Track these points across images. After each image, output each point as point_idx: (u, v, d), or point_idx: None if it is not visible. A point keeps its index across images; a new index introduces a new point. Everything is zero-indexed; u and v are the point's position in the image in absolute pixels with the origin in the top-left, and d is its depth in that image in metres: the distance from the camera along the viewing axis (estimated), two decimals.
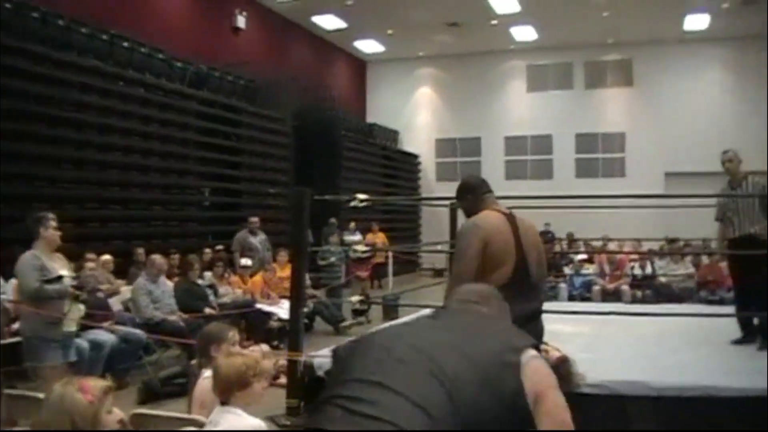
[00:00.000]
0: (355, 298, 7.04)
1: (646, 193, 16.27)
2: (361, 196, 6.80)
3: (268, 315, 10.41)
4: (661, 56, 23.34)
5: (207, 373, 3.85)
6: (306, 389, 6.53)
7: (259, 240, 12.68)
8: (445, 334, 2.11)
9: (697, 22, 21.32)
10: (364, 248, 7.16)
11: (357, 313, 11.75)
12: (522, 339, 2.12)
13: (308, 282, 11.30)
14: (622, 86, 24.27)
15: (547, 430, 1.90)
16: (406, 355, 1.97)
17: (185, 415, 3.92)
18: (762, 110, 21.77)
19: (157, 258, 9.42)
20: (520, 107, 25.12)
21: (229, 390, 3.44)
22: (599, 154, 24.04)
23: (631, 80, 24.10)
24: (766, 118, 21.11)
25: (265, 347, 9.01)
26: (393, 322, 2.48)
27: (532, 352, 2.05)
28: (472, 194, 4.44)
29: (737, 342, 6.73)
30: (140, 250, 10.85)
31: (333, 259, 13.00)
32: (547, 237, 18.02)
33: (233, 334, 4.37)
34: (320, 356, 6.48)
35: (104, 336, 7.78)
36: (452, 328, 2.18)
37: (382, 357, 2.00)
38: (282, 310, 9.96)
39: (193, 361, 4.44)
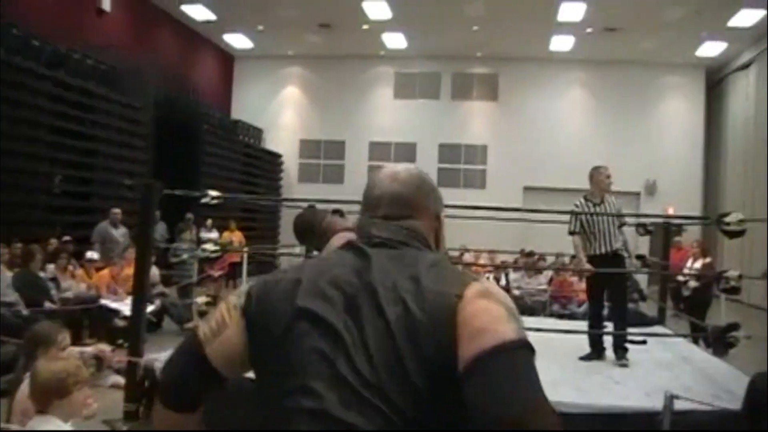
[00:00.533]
0: (202, 299, 6.79)
1: (505, 206, 16.53)
2: (213, 193, 6.56)
3: (113, 312, 9.94)
4: (526, 73, 24.04)
5: None
6: (145, 393, 6.26)
7: (120, 233, 12.20)
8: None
9: (562, 43, 22.05)
10: (214, 247, 6.86)
11: (203, 315, 11.35)
12: None
13: (157, 279, 10.95)
14: (487, 100, 24.78)
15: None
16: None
17: None
18: (616, 134, 22.82)
19: None
20: (386, 113, 25.25)
21: (47, 398, 3.17)
22: (461, 165, 24.41)
23: (496, 95, 24.65)
24: (616, 142, 22.07)
25: (103, 346, 8.58)
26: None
27: None
28: None
29: (583, 358, 6.84)
30: None
31: (185, 256, 12.58)
32: None
33: (63, 337, 4.07)
34: (161, 359, 6.20)
35: None
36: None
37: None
38: (127, 307, 9.53)
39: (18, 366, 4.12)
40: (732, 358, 8.13)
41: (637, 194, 23.63)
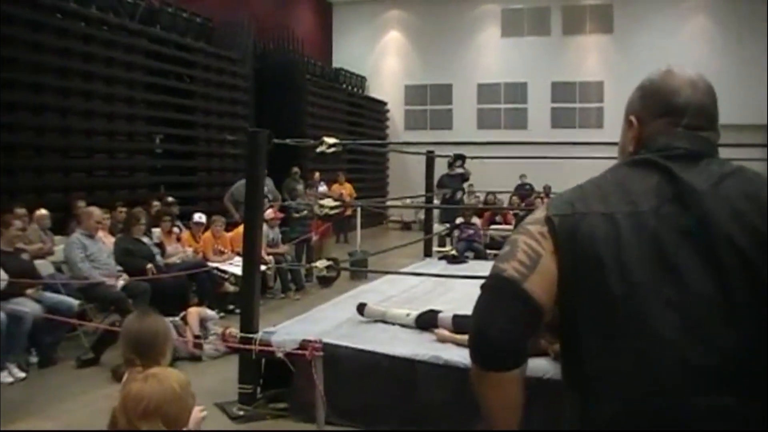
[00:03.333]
0: (322, 263, 6.02)
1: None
2: (330, 141, 5.78)
3: (222, 276, 9.33)
4: (642, 2, 22.45)
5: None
6: (262, 373, 5.62)
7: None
8: None
9: None
10: (333, 203, 6.11)
11: (323, 281, 10.64)
12: None
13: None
14: (601, 33, 23.29)
15: None
16: None
17: None
18: (745, 65, 21.11)
19: (93, 209, 8.21)
20: (493, 53, 24.10)
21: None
22: (576, 103, 23.12)
23: (611, 27, 23.13)
24: (746, 73, 20.41)
25: (210, 312, 7.98)
26: None
27: None
28: None
29: None
30: (81, 203, 9.60)
31: (306, 212, 11.87)
32: (525, 190, 17.16)
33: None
34: (279, 333, 5.50)
35: (26, 306, 6.65)
36: None
37: None
38: (236, 268, 8.90)
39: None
40: None
41: (765, 127, 21.97)
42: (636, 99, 1.74)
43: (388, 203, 19.47)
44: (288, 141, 5.87)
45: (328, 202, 6.08)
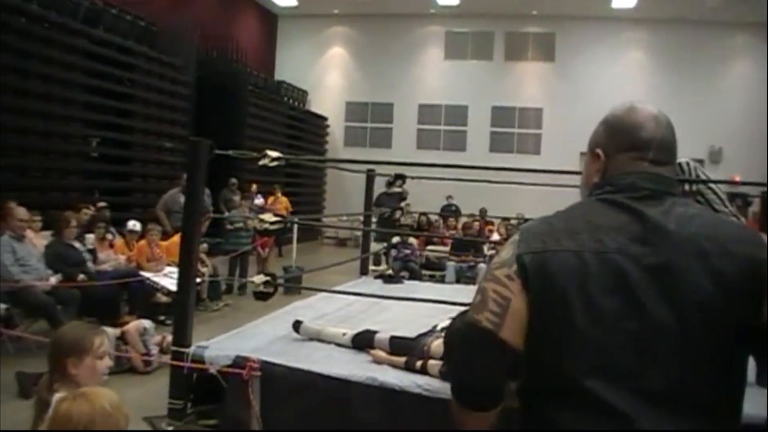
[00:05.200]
0: (259, 279, 5.92)
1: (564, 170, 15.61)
2: (273, 154, 5.69)
3: (154, 287, 9.17)
4: (585, 32, 23.02)
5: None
6: (193, 388, 5.48)
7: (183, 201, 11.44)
8: None
9: (625, 0, 20.92)
10: (273, 218, 6.02)
11: (260, 296, 10.48)
12: None
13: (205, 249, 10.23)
14: (543, 61, 23.70)
15: None
16: None
17: None
18: (679, 98, 21.68)
19: (20, 210, 8.02)
20: (436, 75, 24.32)
21: None
22: (515, 128, 23.41)
23: (552, 55, 23.58)
24: (679, 106, 20.94)
25: (147, 323, 7.81)
26: None
27: None
28: None
29: None
30: (12, 204, 9.34)
31: (241, 224, 11.73)
32: (450, 211, 17.36)
33: (101, 342, 3.15)
34: (212, 349, 5.39)
35: None
36: None
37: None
38: (169, 280, 8.75)
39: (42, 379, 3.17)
40: None
41: (701, 161, 22.51)
42: (601, 132, 1.81)
43: (327, 220, 19.41)
44: (231, 152, 5.77)
45: (268, 217, 5.99)
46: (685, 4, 20.78)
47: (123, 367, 6.85)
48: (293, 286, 9.52)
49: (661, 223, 1.61)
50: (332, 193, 22.94)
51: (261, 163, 5.65)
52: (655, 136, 1.73)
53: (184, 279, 5.56)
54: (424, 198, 15.59)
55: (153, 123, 14.73)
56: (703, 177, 5.32)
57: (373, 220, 13.81)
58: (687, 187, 5.25)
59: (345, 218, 16.84)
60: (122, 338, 7.21)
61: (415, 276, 11.21)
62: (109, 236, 9.97)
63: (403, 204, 14.45)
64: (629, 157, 1.73)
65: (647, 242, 1.59)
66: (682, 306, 1.54)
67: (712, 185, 5.36)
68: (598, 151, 1.79)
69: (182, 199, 10.87)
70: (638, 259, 1.58)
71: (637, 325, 1.55)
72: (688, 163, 5.31)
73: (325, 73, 25.15)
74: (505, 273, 1.66)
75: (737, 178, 18.29)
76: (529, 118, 23.26)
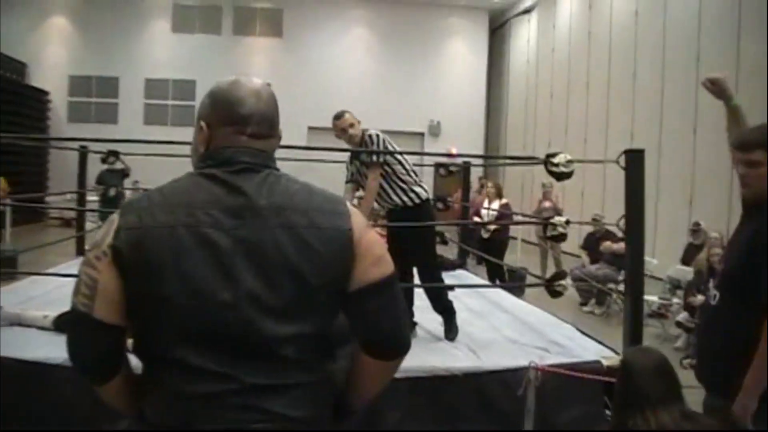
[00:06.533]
0: None
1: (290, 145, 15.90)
2: None
3: None
4: (311, 10, 23.64)
5: None
6: None
7: None
8: None
9: None
10: None
11: None
12: None
13: None
14: (271, 36, 24.07)
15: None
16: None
17: None
18: (400, 75, 22.89)
19: None
20: (163, 48, 23.96)
21: None
22: None
23: (280, 31, 24.03)
24: (400, 82, 22.12)
25: None
26: None
27: None
28: None
29: None
30: None
31: None
32: None
33: None
34: None
35: None
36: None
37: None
38: None
39: None
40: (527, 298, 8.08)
41: (422, 135, 23.80)
42: (207, 105, 1.87)
43: (41, 200, 18.52)
44: None
45: None
46: None
47: None
48: (5, 271, 9.11)
49: (253, 197, 1.72)
50: (57, 171, 21.83)
51: None
52: (255, 111, 1.81)
53: None
54: (160, 174, 15.28)
55: None
56: (390, 148, 5.73)
57: (95, 198, 13.50)
58: (375, 157, 5.64)
59: (69, 197, 16.21)
60: None
61: None
62: None
63: (126, 181, 14.19)
64: (230, 131, 1.81)
65: (239, 215, 1.70)
66: (271, 275, 1.67)
67: (398, 156, 5.79)
68: (202, 123, 1.85)
69: None
70: (229, 231, 1.68)
71: (230, 294, 1.65)
72: (378, 135, 5.69)
73: (46, 45, 23.87)
74: (95, 254, 1.71)
75: (453, 150, 19.46)
76: None
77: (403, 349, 1.88)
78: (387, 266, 1.82)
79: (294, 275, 1.69)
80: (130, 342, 1.81)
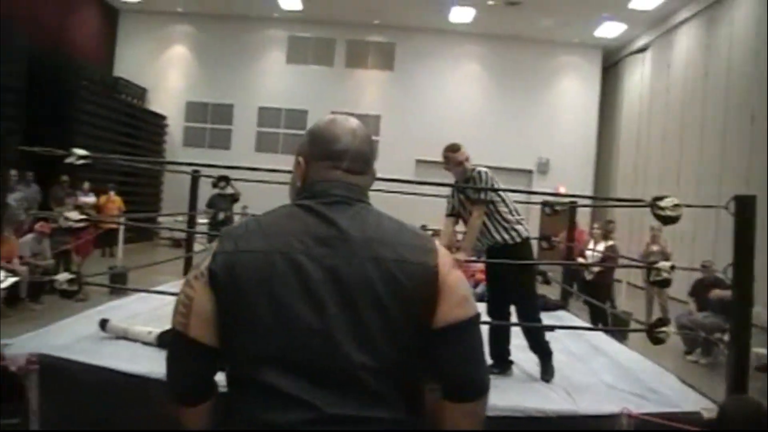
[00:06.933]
0: (63, 277, 5.90)
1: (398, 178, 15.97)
2: (80, 152, 5.65)
3: None
4: (424, 44, 23.75)
5: None
6: None
7: (15, 198, 11.04)
8: None
9: (462, 15, 21.78)
10: (78, 216, 5.98)
11: (64, 294, 10.32)
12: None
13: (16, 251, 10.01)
14: (382, 69, 24.32)
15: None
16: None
17: None
18: (511, 110, 22.82)
19: None
20: (277, 78, 24.50)
21: None
22: None
23: (392, 64, 24.24)
24: (511, 118, 22.06)
25: None
26: None
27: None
28: None
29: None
30: None
31: (70, 224, 11.51)
32: None
33: None
34: (14, 346, 5.35)
35: None
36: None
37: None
38: None
39: None
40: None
41: (530, 172, 23.59)
42: (305, 142, 1.95)
43: (153, 220, 19.09)
44: (36, 149, 5.70)
45: (73, 215, 5.94)
46: (519, 22, 21.75)
47: None
48: (100, 285, 9.39)
49: (344, 228, 1.77)
50: (170, 193, 22.52)
51: (68, 160, 5.60)
52: (350, 148, 1.89)
53: None
54: (269, 200, 15.59)
55: None
56: (496, 186, 5.74)
57: (205, 221, 13.87)
58: (483, 195, 5.65)
59: (180, 219, 16.68)
60: None
61: None
62: None
63: (235, 206, 14.53)
64: (325, 165, 1.89)
65: (330, 245, 1.75)
66: (357, 306, 1.71)
67: (502, 194, 5.79)
68: (300, 158, 1.93)
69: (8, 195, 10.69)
70: (320, 260, 1.73)
71: (318, 321, 1.70)
72: (486, 173, 5.71)
73: (166, 72, 24.77)
74: (194, 275, 1.80)
75: (561, 189, 19.26)
76: (368, 124, 23.42)
77: (482, 390, 1.86)
78: (471, 307, 1.84)
79: (379, 307, 1.73)
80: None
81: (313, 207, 1.83)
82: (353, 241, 1.77)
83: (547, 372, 5.50)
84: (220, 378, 1.89)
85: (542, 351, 5.64)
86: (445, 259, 1.83)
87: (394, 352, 1.74)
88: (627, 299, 12.66)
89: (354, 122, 1.96)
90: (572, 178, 22.36)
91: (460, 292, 1.82)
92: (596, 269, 10.77)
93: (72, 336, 5.86)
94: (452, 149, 5.80)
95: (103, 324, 5.93)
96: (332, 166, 1.89)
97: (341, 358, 1.71)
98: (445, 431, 1.85)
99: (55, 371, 4.83)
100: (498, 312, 5.84)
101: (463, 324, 1.80)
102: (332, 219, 1.80)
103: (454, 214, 5.95)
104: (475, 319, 1.84)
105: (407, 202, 17.12)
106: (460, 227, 6.09)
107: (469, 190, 5.68)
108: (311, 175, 1.90)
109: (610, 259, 10.74)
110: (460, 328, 1.79)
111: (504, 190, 5.85)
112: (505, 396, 4.83)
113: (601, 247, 11.18)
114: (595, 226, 12.02)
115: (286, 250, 1.75)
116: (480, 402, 1.85)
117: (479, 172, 5.66)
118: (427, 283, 1.77)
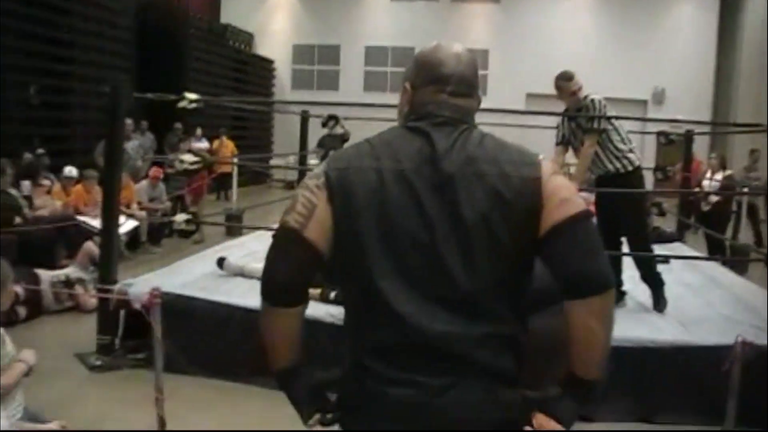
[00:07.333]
0: (180, 217, 6.09)
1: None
2: (191, 96, 5.79)
3: (91, 231, 9.25)
4: None
5: None
6: (120, 324, 5.66)
7: (131, 146, 11.35)
8: None
9: None
10: (192, 158, 6.13)
11: (183, 233, 10.64)
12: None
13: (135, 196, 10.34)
14: (488, 2, 23.83)
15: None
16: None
17: None
18: (624, 39, 22.01)
19: None
20: (383, 16, 24.33)
21: None
22: None
23: None
24: (624, 47, 21.29)
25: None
26: None
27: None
28: None
29: None
30: None
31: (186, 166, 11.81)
32: None
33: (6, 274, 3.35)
34: (137, 285, 5.57)
35: None
36: None
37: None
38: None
39: None
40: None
41: (645, 102, 22.88)
42: (411, 69, 1.97)
43: (264, 162, 19.38)
44: (149, 95, 5.84)
45: (188, 157, 6.10)
46: None
47: (63, 306, 7.01)
48: (213, 223, 9.61)
49: (448, 147, 1.80)
50: (281, 136, 22.81)
51: (180, 105, 5.73)
52: (455, 72, 1.89)
53: (107, 220, 5.73)
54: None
55: (93, 69, 14.55)
56: (609, 114, 5.61)
57: (316, 161, 14.00)
58: (596, 124, 5.53)
59: (292, 160, 16.88)
60: (66, 280, 7.28)
61: None
62: (47, 182, 10.00)
63: (345, 145, 14.61)
64: (431, 89, 1.90)
65: (435, 163, 1.78)
66: (463, 222, 1.74)
67: (614, 122, 5.65)
68: (407, 84, 1.95)
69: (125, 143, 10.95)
70: (426, 178, 1.77)
71: (427, 238, 1.74)
72: (600, 101, 5.59)
73: (272, 16, 24.96)
74: (315, 183, 1.82)
75: (679, 117, 18.61)
76: (476, 59, 23.27)
77: (605, 283, 1.77)
78: (575, 206, 1.79)
79: (485, 222, 1.75)
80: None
81: (421, 128, 1.86)
82: (458, 159, 1.79)
83: (659, 303, 5.42)
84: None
85: (654, 281, 5.54)
86: (547, 169, 1.83)
87: (502, 269, 1.77)
88: (746, 230, 12.23)
89: (458, 47, 1.97)
90: (689, 109, 21.40)
91: (561, 194, 1.79)
92: (714, 199, 10.43)
93: (191, 275, 6.06)
94: (565, 77, 5.71)
95: (221, 262, 6.10)
96: (438, 90, 1.90)
97: (449, 272, 1.74)
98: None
99: (177, 307, 5.00)
100: (609, 243, 5.70)
101: (569, 221, 1.77)
102: (438, 138, 1.82)
103: (564, 143, 5.85)
104: (583, 215, 1.79)
105: (517, 136, 16.90)
106: (570, 158, 5.99)
107: (582, 119, 5.57)
108: (417, 99, 1.92)
109: (727, 188, 10.38)
110: (566, 225, 1.76)
111: (617, 118, 5.72)
112: (617, 327, 4.72)
113: (719, 176, 10.82)
114: (713, 155, 11.62)
115: (396, 167, 1.79)
116: (605, 297, 1.78)
117: (592, 100, 5.55)
118: (531, 194, 1.77)
